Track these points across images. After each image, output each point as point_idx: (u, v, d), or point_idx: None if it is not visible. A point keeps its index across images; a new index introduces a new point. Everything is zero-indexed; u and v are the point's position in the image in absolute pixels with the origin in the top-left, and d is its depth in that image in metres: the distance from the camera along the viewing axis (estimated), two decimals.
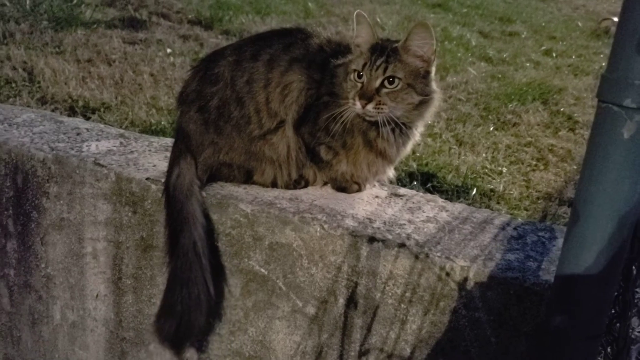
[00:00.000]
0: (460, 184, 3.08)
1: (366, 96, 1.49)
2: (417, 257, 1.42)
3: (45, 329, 2.04)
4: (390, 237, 1.47)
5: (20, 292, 2.05)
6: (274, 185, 1.69)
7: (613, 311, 1.31)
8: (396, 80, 1.50)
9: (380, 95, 1.50)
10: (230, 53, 1.64)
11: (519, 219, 1.63)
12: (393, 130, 1.55)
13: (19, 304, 2.06)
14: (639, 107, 0.98)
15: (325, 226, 1.52)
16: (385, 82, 1.50)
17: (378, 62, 1.49)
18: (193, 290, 1.57)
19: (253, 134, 1.61)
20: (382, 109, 1.50)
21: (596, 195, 1.06)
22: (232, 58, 1.62)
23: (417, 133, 1.64)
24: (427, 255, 1.41)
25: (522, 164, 3.45)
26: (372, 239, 1.47)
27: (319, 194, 1.69)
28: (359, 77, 1.52)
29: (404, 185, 2.74)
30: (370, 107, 1.49)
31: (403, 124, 1.56)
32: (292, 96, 1.59)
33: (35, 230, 1.94)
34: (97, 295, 1.90)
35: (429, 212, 1.63)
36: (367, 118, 1.54)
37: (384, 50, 1.51)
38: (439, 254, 1.41)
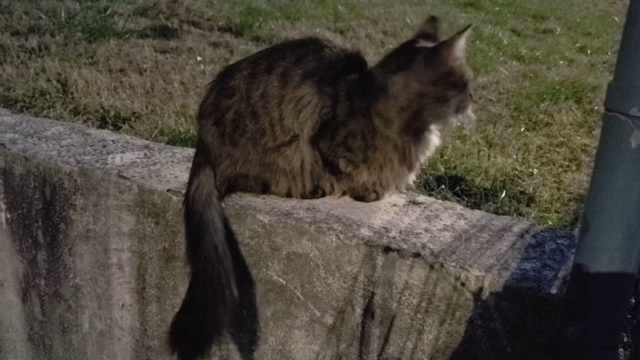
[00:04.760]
0: (489, 187, 3.03)
1: None
2: (432, 266, 1.42)
3: (75, 338, 2.09)
4: (405, 246, 1.47)
5: (50, 302, 2.10)
6: (288, 196, 1.70)
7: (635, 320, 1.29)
8: None
9: None
10: (246, 66, 1.66)
11: (539, 226, 1.60)
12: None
13: (50, 313, 2.12)
14: None
15: (341, 236, 1.53)
16: None
17: None
18: (217, 287, 1.55)
19: (267, 146, 1.62)
20: None
21: (605, 204, 1.05)
22: (247, 71, 1.64)
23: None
24: (441, 265, 1.41)
25: (554, 165, 3.38)
26: (387, 249, 1.47)
27: (336, 203, 1.69)
28: None
29: (431, 190, 2.72)
30: None
31: None
32: (305, 112, 1.57)
33: (63, 242, 1.99)
34: (122, 305, 1.94)
35: (446, 220, 1.62)
36: None
37: None
38: (453, 264, 1.40)
